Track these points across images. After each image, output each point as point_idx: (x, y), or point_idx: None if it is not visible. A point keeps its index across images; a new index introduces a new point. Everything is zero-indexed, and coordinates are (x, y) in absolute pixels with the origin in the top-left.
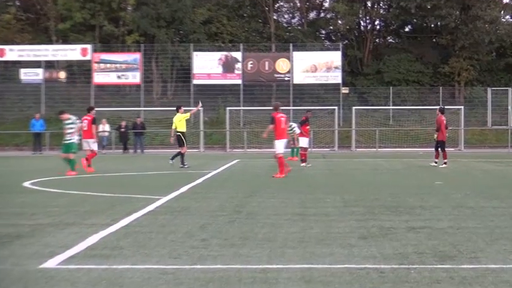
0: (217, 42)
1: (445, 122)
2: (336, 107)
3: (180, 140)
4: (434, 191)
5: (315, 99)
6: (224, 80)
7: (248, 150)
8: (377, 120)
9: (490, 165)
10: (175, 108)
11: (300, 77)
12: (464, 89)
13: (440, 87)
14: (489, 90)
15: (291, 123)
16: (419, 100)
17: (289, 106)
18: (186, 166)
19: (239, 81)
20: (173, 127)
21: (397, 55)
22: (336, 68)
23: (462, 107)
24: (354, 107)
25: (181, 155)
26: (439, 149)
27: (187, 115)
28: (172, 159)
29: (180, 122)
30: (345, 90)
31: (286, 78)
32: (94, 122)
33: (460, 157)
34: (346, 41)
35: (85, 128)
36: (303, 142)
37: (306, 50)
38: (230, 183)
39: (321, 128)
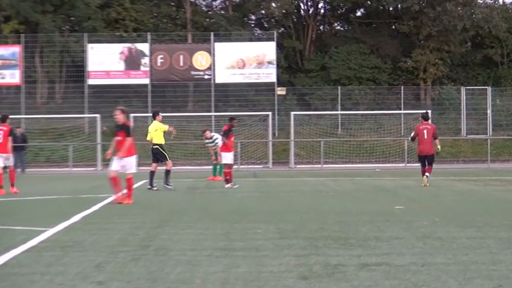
0: (118, 31)
1: (426, 130)
2: (269, 113)
3: (159, 154)
4: (394, 218)
5: (243, 103)
6: (127, 80)
7: (159, 168)
8: (322, 129)
9: (465, 184)
10: (151, 115)
11: (224, 75)
12: (431, 88)
13: (402, 87)
14: (463, 89)
15: (213, 134)
16: (375, 103)
17: (210, 111)
18: (170, 186)
19: (146, 81)
20: (148, 138)
21: (346, 46)
22: (270, 63)
23: (429, 111)
24: (292, 112)
25: (167, 172)
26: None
27: (166, 127)
28: (167, 184)
29: (156, 132)
30: (281, 91)
31: (206, 77)
32: (11, 133)
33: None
34: (282, 29)
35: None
36: (227, 158)
37: (231, 41)
38: (135, 210)
39: (251, 139)
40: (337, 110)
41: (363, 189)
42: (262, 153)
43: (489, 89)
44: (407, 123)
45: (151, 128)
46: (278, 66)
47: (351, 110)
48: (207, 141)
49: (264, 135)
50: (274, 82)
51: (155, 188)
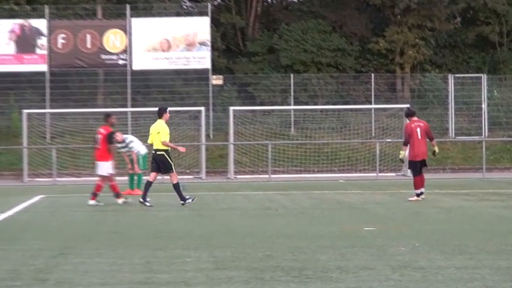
0: (8, 3)
1: (419, 129)
2: (202, 108)
3: (164, 163)
4: (363, 243)
5: (167, 96)
6: (19, 66)
7: (59, 179)
8: (270, 129)
9: (453, 199)
10: (156, 111)
11: (144, 60)
12: (410, 76)
13: (372, 75)
14: (451, 78)
15: (126, 137)
16: (338, 95)
17: (125, 107)
18: (188, 201)
19: (44, 67)
20: (149, 141)
21: (301, 23)
22: (202, 44)
23: (407, 105)
24: (232, 108)
25: (176, 186)
26: (413, 172)
27: (167, 133)
28: (184, 200)
29: (159, 135)
30: (217, 80)
31: (121, 62)
32: None
33: (405, 187)
34: (219, 1)
35: None
36: (103, 168)
37: (153, 16)
38: (30, 233)
39: (178, 142)
40: (289, 105)
41: (323, 205)
42: (192, 160)
43: (484, 77)
44: (379, 121)
45: (153, 129)
46: (213, 49)
47: (307, 104)
48: (119, 145)
49: (195, 137)
50: (208, 69)
51: (148, 204)
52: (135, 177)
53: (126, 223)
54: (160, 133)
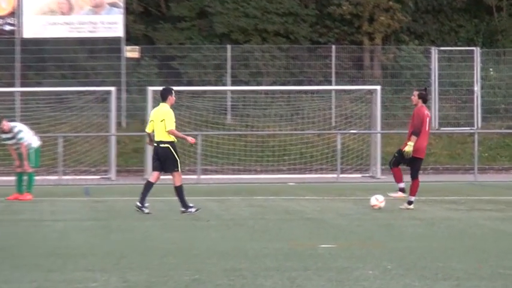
0: None
1: (428, 119)
2: (112, 88)
3: (169, 159)
4: (319, 264)
5: (67, 72)
6: None
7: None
8: (200, 116)
9: (436, 208)
10: (160, 93)
11: (37, 25)
12: (382, 49)
13: (333, 46)
14: (434, 51)
15: (14, 125)
16: (288, 73)
17: (13, 85)
18: (192, 210)
19: None
20: (149, 131)
21: None
22: (113, 5)
23: (378, 87)
24: (150, 88)
25: (179, 189)
26: (414, 172)
27: (172, 121)
28: (185, 207)
29: (162, 123)
30: (132, 52)
31: (8, 28)
32: None
33: (374, 192)
34: None
35: None
36: None
37: None
38: None
39: (80, 132)
40: (225, 85)
41: (267, 215)
42: (99, 155)
43: (477, 51)
44: (342, 106)
45: (155, 115)
46: (128, 11)
47: (248, 84)
48: (4, 136)
49: (103, 125)
50: (120, 38)
51: (146, 210)
52: (25, 177)
53: (13, 237)
54: (165, 120)
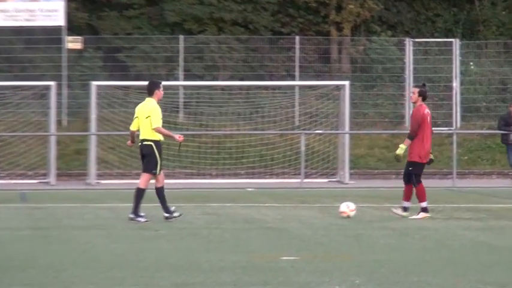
0: None
1: (429, 118)
2: (52, 83)
3: (151, 158)
4: (281, 278)
5: (2, 64)
6: None
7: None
8: None
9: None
10: (146, 88)
11: None
12: (351, 41)
13: (297, 37)
14: (409, 43)
15: None
16: (247, 66)
17: None
18: (175, 215)
19: None
20: (133, 128)
21: None
22: None
23: (347, 82)
24: (94, 82)
25: (160, 191)
26: (413, 178)
27: (159, 117)
28: (168, 212)
29: (148, 120)
30: (74, 42)
31: None
32: None
33: (341, 198)
34: None
35: None
36: None
37: None
38: None
39: (16, 131)
40: (177, 79)
41: (224, 224)
42: (37, 157)
43: (456, 42)
44: (306, 104)
45: (140, 111)
46: None
47: (202, 78)
48: None
49: (42, 124)
50: (61, 27)
51: (143, 220)
52: None
53: None
54: (151, 117)
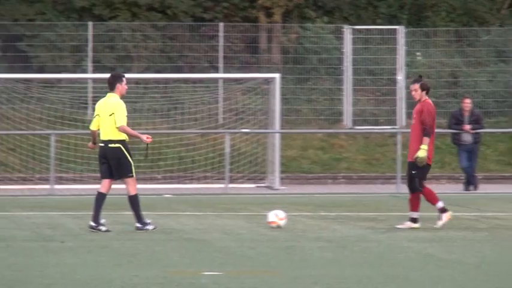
0: None
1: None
2: None
3: (121, 161)
4: None
5: None
6: None
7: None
8: (54, 111)
9: (348, 227)
10: (107, 81)
11: None
12: (283, 28)
13: (221, 24)
14: (347, 31)
15: None
16: (164, 57)
17: None
18: (150, 227)
19: None
20: (93, 128)
21: None
22: None
23: (277, 75)
24: None
25: (134, 200)
26: (416, 182)
27: (123, 113)
28: (143, 223)
29: (111, 118)
30: None
31: None
32: None
33: (274, 205)
34: None
35: None
36: None
37: None
38: None
39: None
40: (85, 71)
41: (138, 235)
42: None
43: (401, 30)
44: (231, 99)
45: (101, 108)
46: None
47: (114, 70)
48: None
49: None
50: None
51: (151, 227)
52: None
53: None
54: (115, 114)
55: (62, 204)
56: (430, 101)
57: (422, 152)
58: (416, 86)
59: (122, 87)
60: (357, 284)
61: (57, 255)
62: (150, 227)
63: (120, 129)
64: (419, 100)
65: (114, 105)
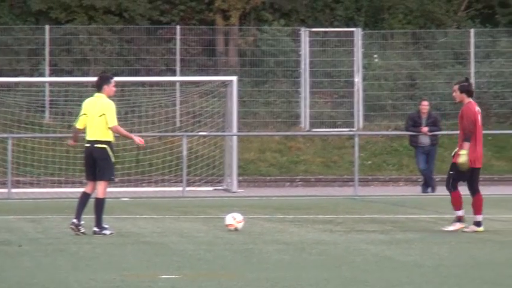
0: None
1: (480, 117)
2: None
3: (105, 162)
4: None
5: None
6: None
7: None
8: (11, 114)
9: (307, 230)
10: (95, 83)
11: None
12: (240, 31)
13: (178, 27)
14: (304, 33)
15: None
16: (121, 60)
17: None
18: (105, 232)
19: None
20: (80, 126)
21: None
22: None
23: (235, 78)
24: None
25: (101, 203)
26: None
27: (113, 113)
28: (101, 228)
29: (102, 118)
30: None
31: None
32: None
33: (232, 208)
34: None
35: None
36: None
37: None
38: None
39: None
40: (42, 75)
41: (96, 239)
42: None
43: (358, 32)
44: (189, 102)
45: (89, 108)
46: None
47: (71, 74)
48: None
49: None
50: None
51: (108, 232)
52: None
53: None
54: (106, 115)
55: (19, 208)
56: (471, 104)
57: (461, 158)
58: (456, 87)
59: (110, 88)
60: (314, 287)
61: (14, 259)
62: (107, 232)
63: (113, 130)
64: (462, 102)
65: (104, 105)
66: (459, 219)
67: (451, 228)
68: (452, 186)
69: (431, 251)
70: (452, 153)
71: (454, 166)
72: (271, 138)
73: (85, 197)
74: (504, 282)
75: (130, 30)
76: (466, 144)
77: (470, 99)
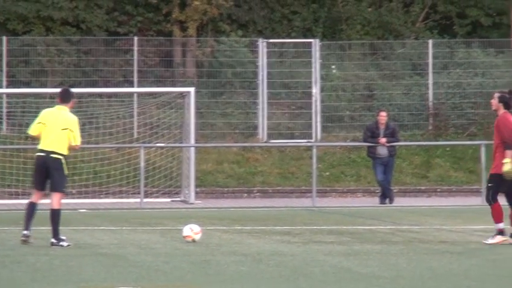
0: None
1: None
2: None
3: (58, 173)
4: None
5: None
6: None
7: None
8: None
9: (264, 241)
10: (60, 94)
11: None
12: (197, 42)
13: (135, 39)
14: (262, 44)
15: None
16: (79, 71)
17: None
18: (63, 244)
19: None
20: (34, 134)
21: None
22: None
23: (192, 89)
24: None
25: (57, 214)
26: (489, 194)
27: (76, 130)
28: (58, 239)
29: (64, 133)
30: None
31: None
32: None
33: (190, 219)
34: None
35: None
36: None
37: None
38: None
39: None
40: (0, 86)
41: (53, 250)
42: None
43: (316, 43)
44: (146, 113)
45: (52, 120)
46: None
47: (29, 85)
48: None
49: None
50: None
51: (65, 244)
52: None
53: None
54: (74, 132)
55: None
56: (508, 114)
57: (506, 166)
58: (496, 95)
59: (73, 102)
60: None
61: None
62: (64, 244)
63: (77, 148)
64: (497, 111)
65: (69, 121)
66: (500, 232)
67: (492, 241)
68: (492, 199)
69: (389, 262)
70: (493, 166)
71: (493, 178)
72: (228, 150)
73: (32, 207)
74: None
75: (88, 41)
76: (509, 153)
77: (506, 111)
